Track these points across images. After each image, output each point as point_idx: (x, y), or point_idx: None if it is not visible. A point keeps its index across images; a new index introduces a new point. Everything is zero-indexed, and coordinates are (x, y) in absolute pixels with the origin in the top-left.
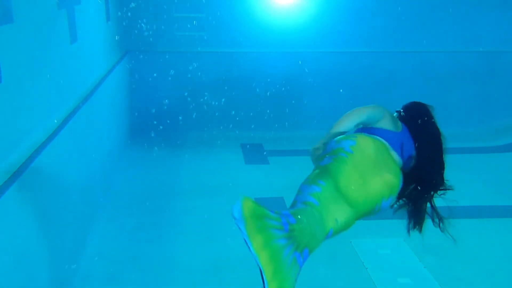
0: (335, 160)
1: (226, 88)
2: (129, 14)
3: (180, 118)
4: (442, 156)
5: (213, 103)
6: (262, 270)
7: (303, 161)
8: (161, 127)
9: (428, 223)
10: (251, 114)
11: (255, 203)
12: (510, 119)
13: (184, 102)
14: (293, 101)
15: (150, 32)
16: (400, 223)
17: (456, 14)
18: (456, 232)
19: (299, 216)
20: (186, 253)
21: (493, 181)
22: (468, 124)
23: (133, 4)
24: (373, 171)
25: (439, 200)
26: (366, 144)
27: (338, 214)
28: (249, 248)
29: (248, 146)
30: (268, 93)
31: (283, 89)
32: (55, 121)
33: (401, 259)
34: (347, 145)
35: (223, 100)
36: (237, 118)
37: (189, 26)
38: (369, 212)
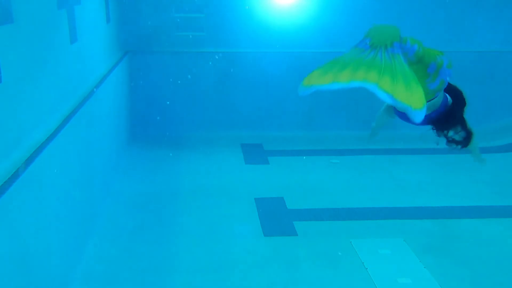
0: None
1: (226, 88)
2: (129, 14)
3: (180, 118)
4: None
5: (213, 103)
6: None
7: (303, 161)
8: (161, 127)
9: (428, 223)
10: (251, 114)
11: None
12: (510, 119)
13: (184, 102)
14: (293, 101)
15: (150, 32)
16: (400, 223)
17: (455, 14)
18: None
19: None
20: (186, 254)
21: (493, 181)
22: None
23: (133, 4)
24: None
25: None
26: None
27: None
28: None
29: (248, 146)
30: (268, 93)
31: (283, 89)
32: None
33: (401, 259)
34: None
35: (223, 100)
36: (237, 118)
37: (189, 26)
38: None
